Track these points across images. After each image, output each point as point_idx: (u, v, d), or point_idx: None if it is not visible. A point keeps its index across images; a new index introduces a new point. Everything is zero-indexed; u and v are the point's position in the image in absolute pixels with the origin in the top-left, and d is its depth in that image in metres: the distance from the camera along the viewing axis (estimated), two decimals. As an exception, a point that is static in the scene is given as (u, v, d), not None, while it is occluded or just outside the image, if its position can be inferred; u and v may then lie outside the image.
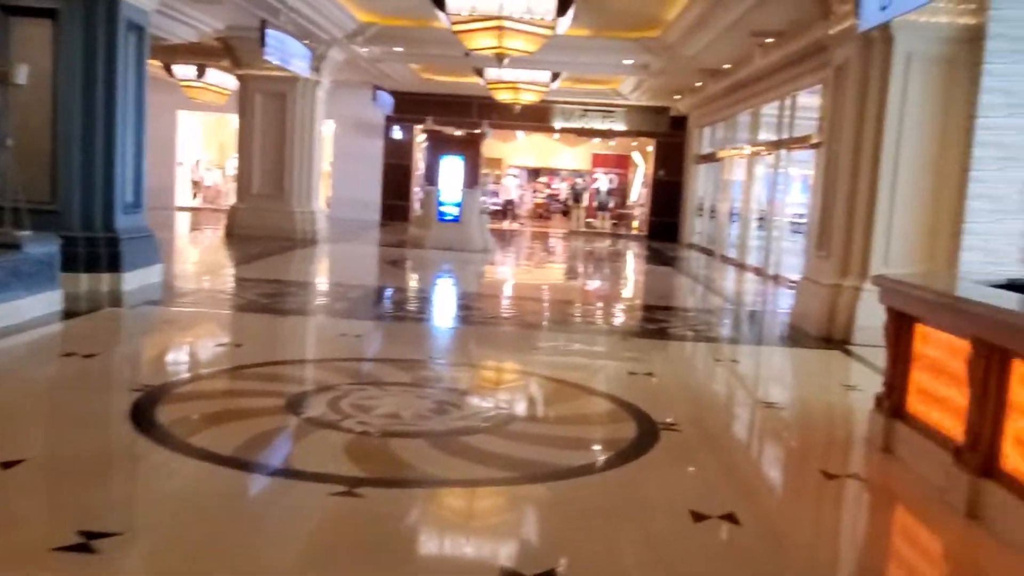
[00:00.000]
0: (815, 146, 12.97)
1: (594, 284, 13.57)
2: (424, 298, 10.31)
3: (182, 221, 21.67)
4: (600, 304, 11.08)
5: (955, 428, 4.27)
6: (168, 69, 19.81)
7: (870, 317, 8.44)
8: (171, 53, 18.54)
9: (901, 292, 4.87)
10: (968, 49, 8.28)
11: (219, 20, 15.04)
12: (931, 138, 8.44)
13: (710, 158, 21.18)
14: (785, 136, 14.78)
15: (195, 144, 26.25)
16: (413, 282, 12.19)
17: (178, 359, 6.80)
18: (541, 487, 4.02)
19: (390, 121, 24.11)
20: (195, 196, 26.33)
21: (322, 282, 11.70)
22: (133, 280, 8.94)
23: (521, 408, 5.41)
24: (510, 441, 4.70)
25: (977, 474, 3.94)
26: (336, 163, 24.74)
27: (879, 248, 8.59)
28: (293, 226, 16.71)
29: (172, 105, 23.58)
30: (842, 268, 8.85)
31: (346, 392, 5.44)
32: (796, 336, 8.92)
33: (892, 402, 4.99)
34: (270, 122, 16.61)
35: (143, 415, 4.65)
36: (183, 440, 4.31)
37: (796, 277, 13.88)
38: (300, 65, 13.91)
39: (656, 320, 9.40)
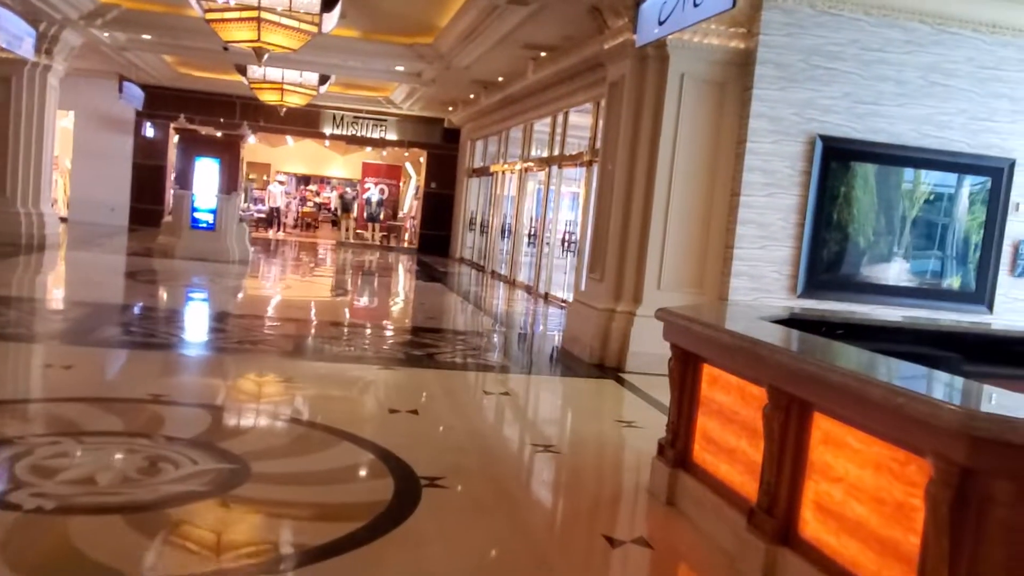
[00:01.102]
0: (587, 164, 12.82)
1: (360, 302, 12.69)
2: (162, 318, 8.98)
3: None
4: (365, 325, 10.22)
5: (748, 486, 3.82)
6: None
7: (644, 344, 8.19)
8: None
9: (688, 329, 4.42)
10: (739, 73, 8.22)
11: (-80, -14, 12.86)
12: (704, 160, 8.30)
13: (483, 172, 20.87)
14: (557, 153, 14.60)
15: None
16: (151, 299, 10.71)
17: None
18: (264, 582, 3.15)
19: (141, 117, 21.99)
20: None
21: (37, 298, 10.00)
22: None
23: (257, 463, 4.49)
24: (233, 512, 3.79)
25: (773, 541, 3.48)
26: (77, 161, 22.25)
27: (652, 272, 8.36)
28: (16, 230, 14.57)
29: None
30: (615, 292, 8.54)
31: (30, 448, 4.30)
32: (568, 363, 8.50)
33: (677, 451, 4.53)
34: (-11, 110, 14.44)
35: None
36: None
37: (566, 296, 13.71)
38: (18, 43, 12.06)
39: (423, 344, 8.69)
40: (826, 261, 8.37)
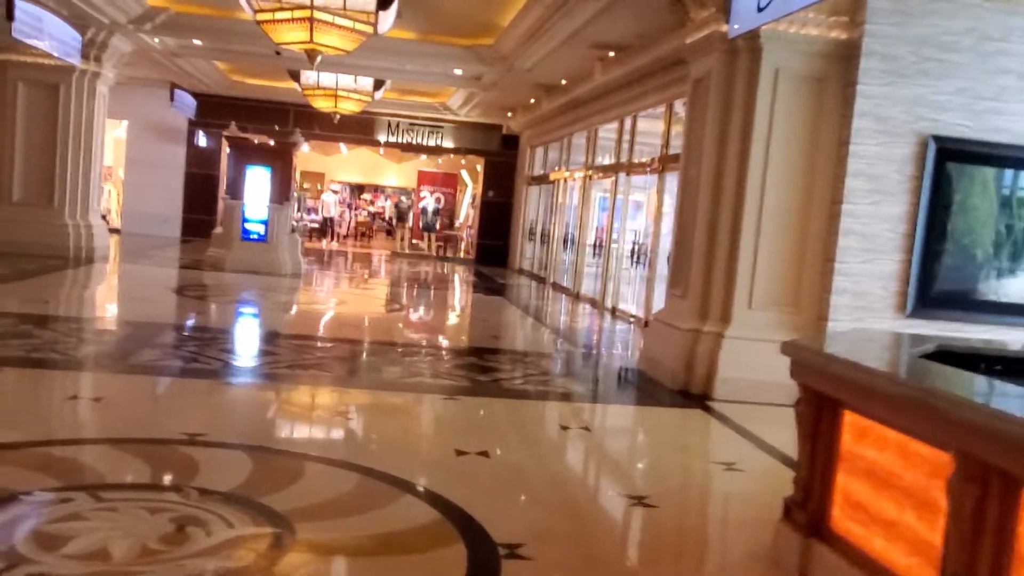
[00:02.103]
0: (658, 170, 11.99)
1: (417, 318, 11.98)
2: (207, 339, 8.34)
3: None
4: (423, 345, 9.50)
5: (919, 572, 2.99)
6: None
7: (734, 368, 7.36)
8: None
9: (826, 368, 3.58)
10: (840, 67, 7.36)
11: (-32, -8, 12.52)
12: (801, 165, 7.44)
13: (543, 180, 20.11)
14: (624, 159, 13.77)
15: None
16: (197, 317, 10.11)
17: None
18: None
19: (194, 126, 21.67)
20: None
21: (75, 316, 9.45)
22: None
23: (302, 525, 3.76)
24: (272, 602, 3.06)
25: (970, 659, 2.64)
26: (129, 171, 22.00)
27: (742, 289, 7.51)
28: (64, 242, 14.19)
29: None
30: (701, 310, 7.70)
31: (37, 507, 3.63)
32: (649, 389, 7.68)
33: (810, 515, 3.69)
34: (37, 118, 14.05)
35: None
36: None
37: (636, 311, 12.87)
38: (62, 49, 11.62)
39: (488, 367, 7.93)
40: (939, 276, 7.45)
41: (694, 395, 7.39)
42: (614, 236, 14.33)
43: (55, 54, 11.60)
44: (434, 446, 5.36)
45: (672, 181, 12.20)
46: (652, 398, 7.42)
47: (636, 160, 13.34)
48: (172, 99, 18.02)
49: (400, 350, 8.62)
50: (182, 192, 22.00)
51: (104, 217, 22.78)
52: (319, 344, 8.46)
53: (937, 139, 7.21)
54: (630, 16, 10.19)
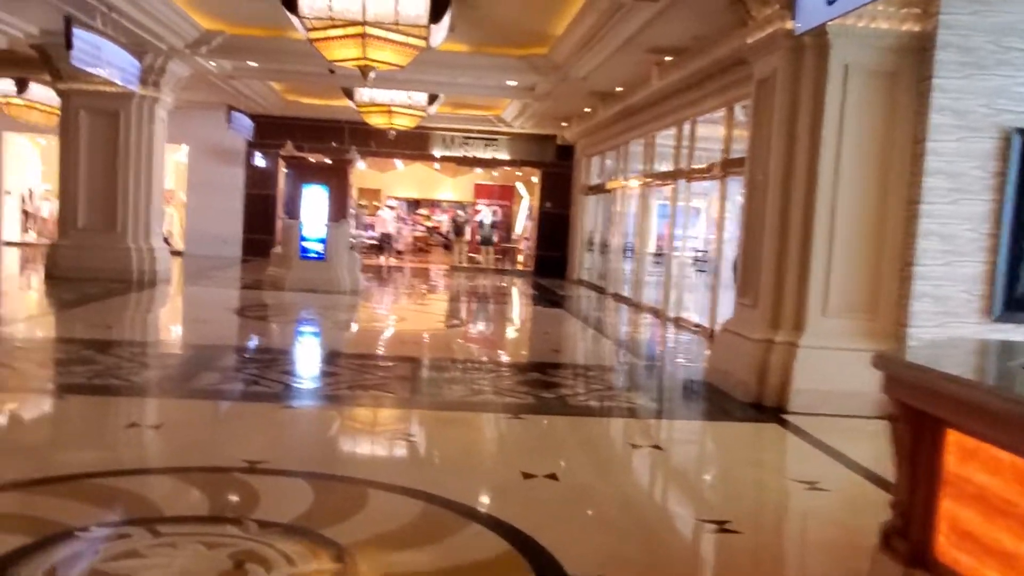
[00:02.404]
0: (720, 176, 11.67)
1: (478, 333, 11.81)
2: (267, 360, 8.25)
3: (6, 259, 18.86)
4: (485, 361, 9.31)
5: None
6: (-17, 84, 17.17)
7: (810, 379, 7.03)
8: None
9: (924, 383, 3.28)
10: (914, 61, 7.01)
11: (29, 22, 12.75)
12: (874, 164, 7.10)
13: (599, 189, 19.86)
14: (684, 166, 13.46)
15: (28, 171, 23.30)
16: (257, 338, 10.08)
17: None
18: None
19: (252, 147, 21.90)
20: (27, 230, 23.34)
21: (137, 341, 9.46)
22: None
23: (366, 559, 3.58)
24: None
25: None
26: (191, 194, 22.31)
27: (816, 296, 7.18)
28: (128, 266, 14.36)
29: (-5, 126, 20.87)
30: (772, 319, 7.39)
31: (93, 544, 3.51)
32: (719, 402, 7.37)
33: (912, 544, 3.39)
34: (99, 144, 14.27)
35: None
36: None
37: (700, 320, 12.54)
38: (122, 76, 11.73)
39: (551, 383, 7.71)
40: (1028, 278, 7.03)
41: (767, 408, 7.07)
42: (675, 244, 14.03)
43: (116, 81, 11.72)
44: (500, 469, 5.15)
45: (734, 186, 11.88)
46: (723, 412, 7.12)
47: (696, 166, 13.03)
48: (229, 121, 18.19)
49: (461, 367, 8.44)
50: (242, 213, 22.25)
51: (167, 240, 23.21)
52: (380, 363, 8.33)
53: (1022, 132, 6.81)
54: (687, 18, 9.92)
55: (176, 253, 22.06)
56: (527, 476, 4.84)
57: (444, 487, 4.55)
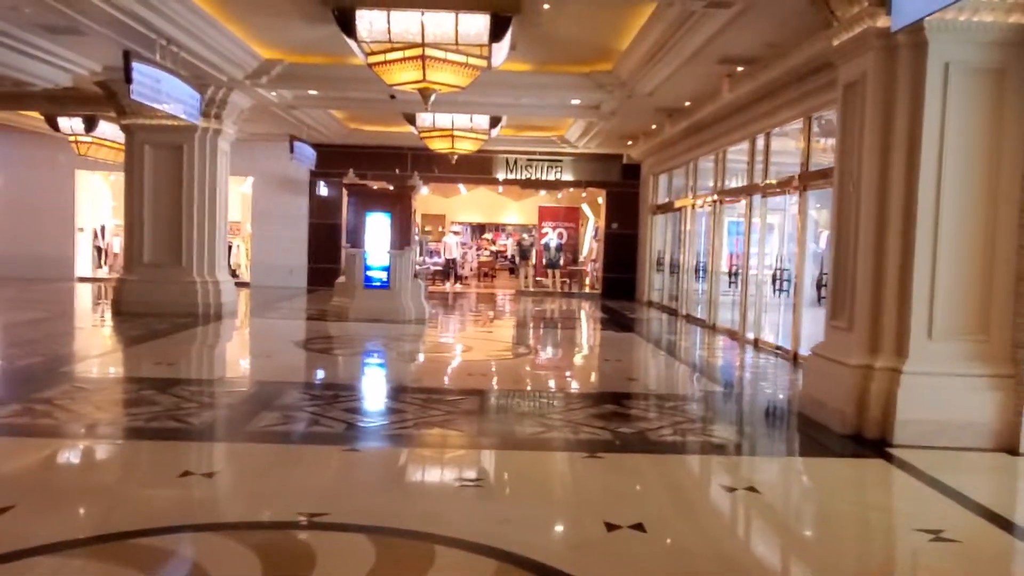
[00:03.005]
0: (799, 189, 11.05)
1: (548, 361, 11.33)
2: (329, 397, 7.87)
3: (79, 295, 19.04)
4: (557, 391, 8.83)
5: None
6: (52, 122, 17.39)
7: (917, 409, 6.40)
8: (57, 103, 16.17)
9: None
10: (1023, 56, 6.38)
11: (92, 59, 12.79)
12: (981, 171, 6.48)
13: (668, 208, 19.29)
14: (758, 180, 12.85)
15: (99, 207, 23.65)
16: (320, 372, 9.74)
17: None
18: None
19: (315, 176, 21.87)
20: (101, 265, 23.65)
21: (195, 378, 9.18)
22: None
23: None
24: None
25: None
26: (256, 225, 22.36)
27: (919, 317, 6.56)
28: (194, 300, 14.28)
29: (69, 164, 21.21)
30: (871, 343, 6.79)
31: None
32: (815, 435, 6.77)
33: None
34: (163, 178, 14.25)
35: None
36: None
37: (779, 342, 11.88)
38: (182, 109, 11.62)
39: (629, 415, 7.19)
40: None
41: (869, 441, 6.47)
42: (751, 262, 13.40)
43: (177, 114, 11.62)
44: (580, 518, 4.66)
45: (815, 200, 11.26)
46: (821, 446, 6.52)
47: (771, 180, 12.41)
48: (292, 151, 18.11)
49: (532, 399, 7.98)
50: (307, 242, 22.21)
51: (234, 272, 23.30)
52: (446, 397, 7.91)
53: None
54: (762, 24, 9.40)
55: (242, 285, 22.13)
56: (611, 527, 4.35)
57: (519, 542, 4.09)
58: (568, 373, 10.43)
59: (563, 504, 5.00)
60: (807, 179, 10.88)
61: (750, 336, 13.02)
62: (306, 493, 4.86)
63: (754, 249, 13.17)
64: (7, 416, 6.53)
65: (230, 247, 23.59)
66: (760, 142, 12.88)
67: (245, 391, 7.98)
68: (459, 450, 6.12)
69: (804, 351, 10.87)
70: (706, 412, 7.75)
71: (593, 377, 10.29)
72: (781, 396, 8.69)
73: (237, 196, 23.79)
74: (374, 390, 8.73)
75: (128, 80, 9.84)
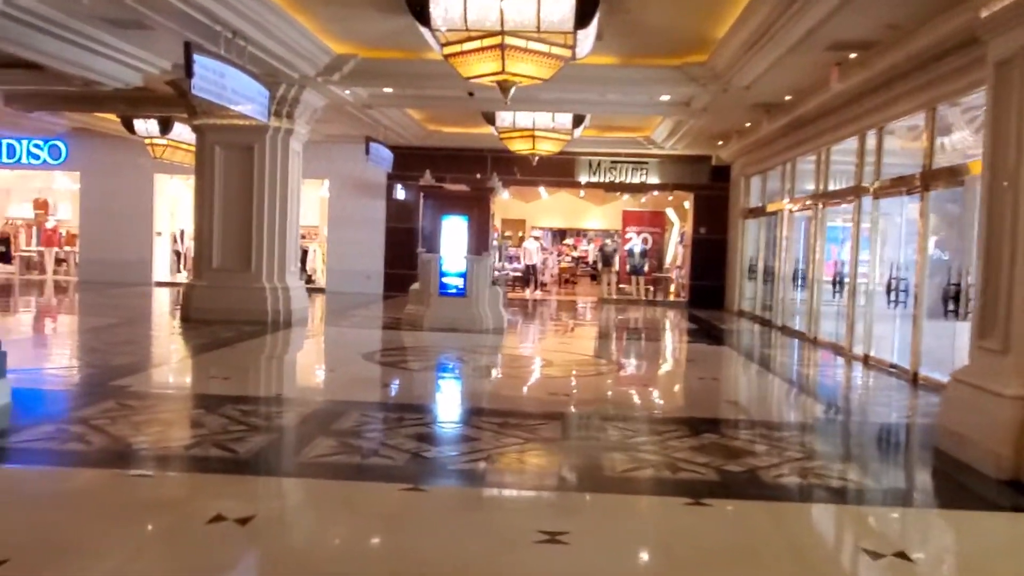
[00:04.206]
0: (921, 189, 9.87)
1: (633, 378, 10.36)
2: (392, 420, 7.00)
3: (154, 300, 18.79)
4: (646, 419, 7.87)
5: None
6: (128, 125, 17.14)
7: (1094, 453, 5.27)
8: (131, 104, 15.90)
9: None
10: None
11: (162, 57, 12.35)
12: None
13: (761, 212, 18.08)
14: (869, 181, 11.65)
15: (178, 212, 23.53)
16: (385, 391, 8.84)
17: None
18: None
19: (392, 179, 21.28)
20: (180, 270, 23.52)
21: (253, 395, 8.42)
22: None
23: None
24: None
25: None
26: (332, 229, 21.89)
27: (1095, 338, 5.41)
28: (263, 307, 13.71)
29: (148, 168, 21.03)
30: (1031, 370, 5.66)
31: None
32: (963, 480, 5.68)
33: None
34: (233, 180, 13.73)
35: None
36: None
37: (895, 359, 10.67)
38: (250, 106, 11.04)
39: (736, 449, 6.19)
40: None
41: (1030, 487, 5.36)
42: (860, 270, 12.20)
43: (244, 112, 11.04)
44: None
45: (940, 200, 10.07)
46: (973, 496, 5.43)
47: (884, 180, 11.22)
48: (367, 152, 17.49)
49: (619, 425, 7.02)
50: (383, 247, 21.65)
51: (310, 277, 22.89)
52: (524, 421, 7.04)
53: None
54: (882, 2, 8.29)
55: (318, 290, 21.69)
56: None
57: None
58: (658, 393, 9.46)
59: (664, 569, 4.06)
60: (930, 178, 9.69)
61: (858, 351, 11.82)
62: (352, 546, 4.04)
63: (863, 256, 11.96)
64: (32, 440, 5.89)
65: (306, 252, 23.21)
66: (871, 139, 11.68)
67: (302, 411, 7.23)
68: (538, 491, 5.23)
69: (926, 371, 9.68)
70: (824, 445, 6.69)
71: (687, 399, 9.28)
72: (907, 425, 7.57)
73: (316, 200, 23.41)
74: (444, 412, 7.89)
75: (189, 74, 9.26)
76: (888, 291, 10.74)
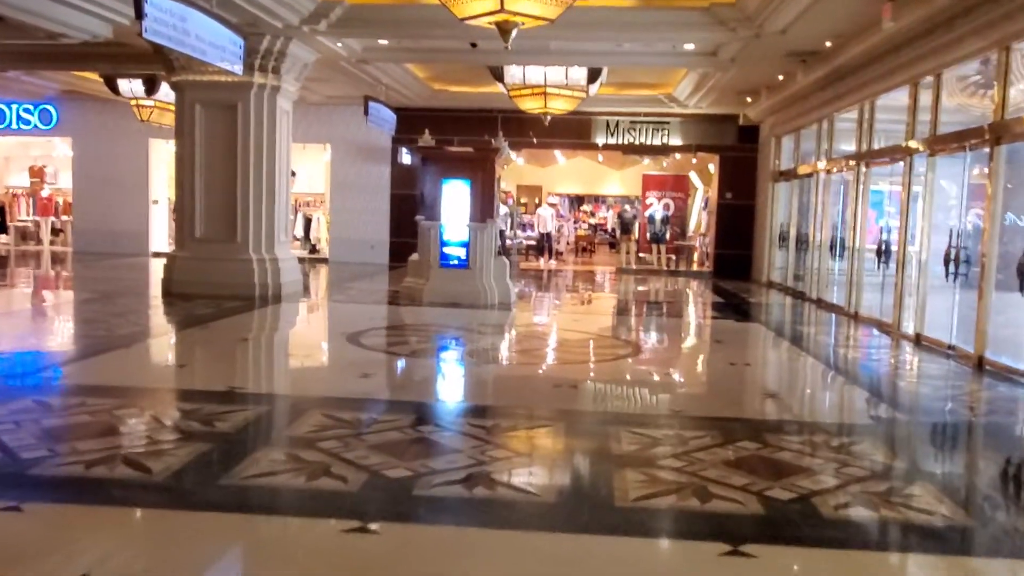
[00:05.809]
0: (989, 143, 8.49)
1: (654, 367, 9.10)
2: (357, 424, 5.91)
3: (143, 272, 17.66)
4: (667, 417, 6.63)
5: None
6: (112, 85, 15.94)
7: None
8: (112, 62, 14.71)
9: None
10: None
11: (131, 5, 11.04)
12: None
13: (793, 175, 16.67)
14: (925, 135, 10.26)
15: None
16: (362, 382, 7.26)
17: None
18: None
19: (397, 143, 20.00)
20: (177, 240, 22.40)
21: (202, 390, 6.95)
22: None
23: None
24: None
25: None
26: (334, 196, 20.67)
27: None
28: (250, 280, 12.55)
29: (142, 133, 19.84)
30: None
31: None
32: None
33: None
34: (216, 143, 12.53)
35: None
36: None
37: (952, 340, 9.36)
38: (219, 55, 9.80)
39: (778, 465, 4.94)
40: None
41: None
42: (910, 238, 10.85)
43: (212, 62, 9.82)
44: None
45: (1012, 157, 8.70)
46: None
47: (942, 134, 9.83)
48: (366, 113, 16.15)
49: (634, 431, 5.75)
50: (388, 215, 20.43)
51: (314, 247, 21.74)
52: (520, 424, 5.84)
53: None
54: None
55: (322, 261, 20.54)
56: None
57: None
58: (683, 384, 8.21)
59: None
60: (1001, 130, 8.32)
61: (908, 330, 10.51)
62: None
63: (915, 221, 10.60)
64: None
65: (309, 220, 22.07)
66: (926, 91, 10.27)
67: (255, 411, 6.05)
68: (528, 531, 3.99)
69: (992, 354, 8.39)
70: (894, 458, 5.43)
71: (717, 391, 7.96)
72: (989, 426, 6.30)
73: (321, 166, 22.22)
74: (425, 412, 6.54)
75: (139, 15, 8.03)
76: (947, 262, 9.40)
